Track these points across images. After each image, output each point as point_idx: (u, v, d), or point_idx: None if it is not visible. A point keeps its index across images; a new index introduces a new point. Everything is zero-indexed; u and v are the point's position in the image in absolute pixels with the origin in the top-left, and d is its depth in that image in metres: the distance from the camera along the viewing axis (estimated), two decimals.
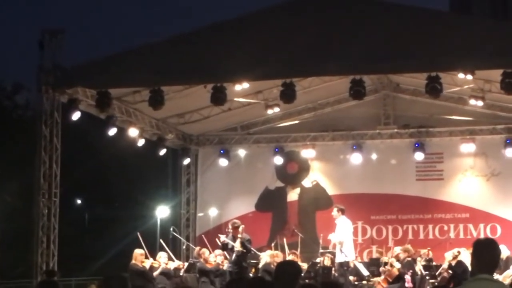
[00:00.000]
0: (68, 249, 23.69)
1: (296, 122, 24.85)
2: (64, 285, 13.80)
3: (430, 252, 21.34)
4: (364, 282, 19.87)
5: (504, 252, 18.86)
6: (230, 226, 20.43)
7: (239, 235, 19.94)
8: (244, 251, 19.94)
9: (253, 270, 19.76)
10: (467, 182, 24.15)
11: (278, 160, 25.13)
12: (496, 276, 12.27)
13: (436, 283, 19.46)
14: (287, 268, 7.44)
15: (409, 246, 21.28)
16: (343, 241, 20.11)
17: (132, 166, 44.27)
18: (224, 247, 20.63)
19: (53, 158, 19.01)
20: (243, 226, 20.28)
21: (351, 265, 20.28)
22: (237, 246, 19.86)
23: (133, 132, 21.77)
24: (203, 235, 23.97)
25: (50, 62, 18.71)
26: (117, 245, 31.38)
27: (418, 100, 23.24)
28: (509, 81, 17.03)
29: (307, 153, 25.12)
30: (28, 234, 19.21)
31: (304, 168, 25.39)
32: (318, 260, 20.78)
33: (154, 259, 20.42)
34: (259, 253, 20.96)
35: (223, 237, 20.69)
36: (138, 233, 21.39)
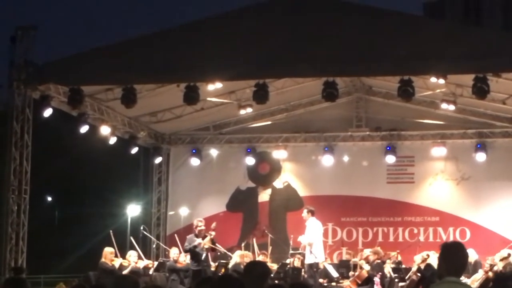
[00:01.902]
0: (38, 246, 23.50)
1: (269, 123, 24.89)
2: (32, 282, 13.67)
3: (399, 255, 21.46)
4: (334, 284, 19.91)
5: (472, 256, 18.99)
6: (198, 227, 19.93)
7: (211, 233, 19.54)
8: (213, 246, 19.72)
9: (223, 270, 19.73)
10: (437, 186, 24.28)
11: (250, 160, 25.16)
12: (464, 279, 12.33)
13: (405, 286, 19.56)
14: (255, 268, 7.43)
15: (378, 249, 21.37)
16: (313, 242, 20.13)
17: (103, 164, 44.02)
18: (192, 247, 19.97)
19: (23, 155, 18.89)
20: (215, 223, 19.98)
21: (321, 266, 20.31)
22: (205, 242, 19.36)
23: (105, 130, 21.69)
24: (175, 234, 23.88)
25: (22, 58, 18.60)
26: (87, 243, 31.21)
27: (390, 103, 23.34)
28: (480, 86, 17.10)
29: (279, 154, 25.16)
30: None
31: (275, 169, 25.43)
32: (288, 261, 20.81)
33: (124, 258, 20.38)
34: (229, 253, 20.96)
35: (189, 237, 19.94)
36: (111, 231, 21.32)
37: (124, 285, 7.84)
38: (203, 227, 19.65)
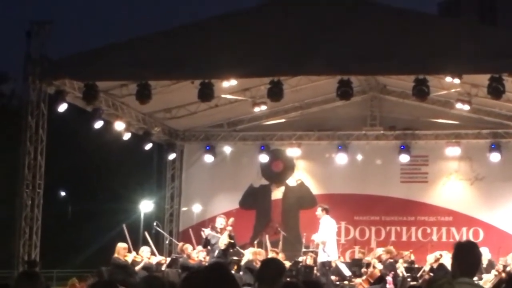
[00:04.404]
0: (51, 241, 23.56)
1: (283, 120, 24.90)
2: (45, 277, 13.72)
3: (412, 254, 21.45)
4: (346, 282, 19.91)
5: (486, 256, 18.94)
6: (220, 224, 20.38)
7: (228, 227, 20.00)
8: (232, 241, 19.97)
9: (235, 267, 19.76)
10: (451, 186, 24.23)
11: (264, 158, 25.16)
12: (476, 280, 12.29)
13: (417, 285, 19.53)
14: (271, 266, 7.43)
15: (391, 248, 21.34)
16: (326, 240, 20.13)
17: (117, 159, 44.17)
18: (206, 243, 20.65)
19: (38, 149, 18.95)
20: (232, 219, 20.36)
21: (333, 265, 20.30)
22: (223, 239, 19.81)
23: (119, 125, 21.72)
24: (190, 229, 23.96)
25: (38, 53, 18.63)
26: (100, 239, 31.30)
27: (404, 103, 23.29)
28: (496, 86, 17.06)
29: (292, 152, 25.17)
30: (10, 224, 19.13)
31: (289, 167, 25.43)
32: (300, 259, 20.84)
33: (137, 253, 20.41)
34: (241, 250, 20.98)
35: (207, 231, 20.70)
36: (124, 226, 21.38)
37: (155, 285, 7.84)
38: (224, 224, 20.11)
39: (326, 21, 17.14)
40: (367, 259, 21.09)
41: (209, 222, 23.43)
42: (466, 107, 21.77)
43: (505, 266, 18.62)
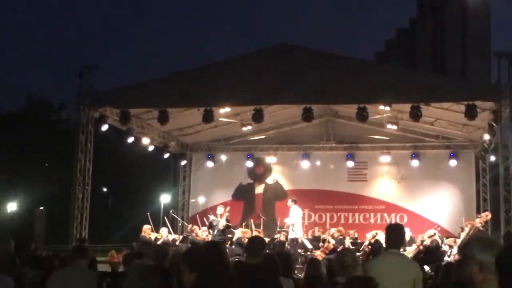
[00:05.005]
0: (96, 224, 23.40)
1: (263, 136, 24.87)
2: (92, 249, 13.70)
3: (356, 233, 21.45)
4: (308, 253, 19.90)
5: (408, 234, 18.97)
6: (220, 212, 20.70)
7: (226, 214, 20.41)
8: (228, 224, 20.31)
9: (229, 242, 19.72)
10: (383, 184, 24.28)
11: (249, 163, 25.17)
12: (402, 251, 12.34)
13: (360, 255, 19.55)
14: (256, 241, 7.47)
15: (341, 228, 21.37)
16: (294, 223, 20.17)
17: (143, 165, 44.15)
18: (210, 225, 20.69)
19: (87, 158, 18.90)
20: (228, 208, 20.86)
21: (300, 240, 20.30)
22: (222, 222, 19.98)
23: (145, 140, 21.67)
24: (197, 215, 23.92)
25: (87, 87, 18.61)
26: (131, 222, 31.17)
27: (350, 124, 23.29)
28: (415, 112, 17.16)
29: (270, 159, 25.19)
30: (67, 212, 19.06)
31: (267, 170, 25.41)
32: (276, 236, 20.82)
33: (158, 233, 20.36)
34: (234, 230, 20.97)
35: (211, 217, 20.84)
36: (148, 213, 21.37)
37: (160, 253, 7.80)
38: (222, 211, 20.44)
39: (296, 67, 17.16)
40: (324, 236, 21.11)
41: (210, 210, 23.42)
42: (394, 127, 21.84)
43: (422, 241, 18.64)
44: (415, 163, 23.49)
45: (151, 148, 22.56)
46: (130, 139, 20.50)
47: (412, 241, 19.26)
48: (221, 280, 4.94)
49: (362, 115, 17.79)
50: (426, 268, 14.54)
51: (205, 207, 24.99)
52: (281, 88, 17.00)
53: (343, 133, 24.22)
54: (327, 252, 19.47)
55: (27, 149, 44.14)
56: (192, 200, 25.72)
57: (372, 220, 23.82)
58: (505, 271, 3.21)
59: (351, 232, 21.43)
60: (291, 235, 20.14)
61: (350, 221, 24.10)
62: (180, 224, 24.31)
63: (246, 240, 16.66)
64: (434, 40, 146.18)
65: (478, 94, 16.81)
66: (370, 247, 18.89)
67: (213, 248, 5.32)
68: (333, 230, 21.23)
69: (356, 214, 24.22)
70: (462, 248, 4.50)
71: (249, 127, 22.48)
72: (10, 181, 40.17)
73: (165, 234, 20.37)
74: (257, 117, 18.19)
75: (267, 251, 8.84)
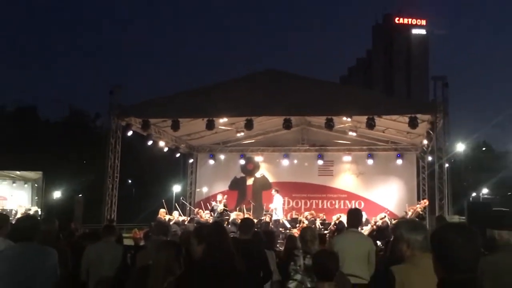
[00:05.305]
0: (123, 208, 23.17)
1: (253, 140, 24.84)
2: (119, 228, 13.63)
3: (325, 215, 21.50)
4: (288, 231, 19.90)
5: (364, 216, 18.96)
6: (219, 198, 20.77)
7: (223, 201, 20.63)
8: (225, 208, 20.39)
9: (226, 222, 19.69)
10: (346, 177, 24.29)
11: (242, 162, 25.11)
12: (359, 230, 12.36)
13: (327, 233, 19.56)
14: (247, 221, 7.43)
15: (313, 212, 21.41)
16: (277, 207, 20.18)
17: (160, 162, 44.00)
18: (212, 209, 20.66)
19: (115, 157, 18.77)
20: (226, 196, 21.24)
21: (281, 221, 20.32)
22: (221, 206, 20.00)
23: (161, 143, 21.58)
24: (201, 201, 23.86)
25: (116, 101, 18.54)
26: (150, 207, 31.03)
27: (321, 131, 23.27)
28: (370, 123, 17.20)
29: (258, 158, 25.13)
30: (100, 199, 18.95)
31: (256, 167, 25.36)
32: (262, 218, 20.80)
33: (171, 215, 20.27)
34: (230, 213, 20.93)
35: (213, 203, 20.87)
36: (163, 200, 21.29)
37: (161, 228, 7.74)
38: (221, 198, 20.24)
39: (279, 87, 17.13)
40: (299, 218, 21.13)
41: (212, 197, 23.38)
42: (354, 134, 21.94)
43: (375, 222, 18.68)
44: (370, 162, 23.57)
45: (166, 149, 22.46)
46: (150, 142, 20.40)
47: (367, 222, 19.33)
48: (222, 250, 4.98)
49: (329, 125, 17.85)
50: (378, 243, 14.58)
51: (208, 195, 24.92)
52: (267, 103, 17.00)
53: (315, 138, 24.24)
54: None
55: (70, 150, 44.78)
56: (197, 190, 25.63)
57: (337, 206, 23.84)
58: (435, 248, 3.19)
59: (321, 215, 21.48)
60: (274, 217, 20.14)
61: (320, 206, 24.08)
62: (188, 208, 24.23)
63: (239, 220, 16.61)
64: (385, 68, 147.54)
65: (418, 109, 16.93)
66: (335, 226, 18.94)
67: (217, 226, 5.37)
68: (306, 213, 21.27)
69: (325, 201, 24.22)
70: (393, 230, 4.50)
71: (242, 133, 22.51)
72: (56, 174, 39.97)
73: (176, 216, 20.33)
74: (248, 125, 18.18)
75: (256, 229, 8.82)
